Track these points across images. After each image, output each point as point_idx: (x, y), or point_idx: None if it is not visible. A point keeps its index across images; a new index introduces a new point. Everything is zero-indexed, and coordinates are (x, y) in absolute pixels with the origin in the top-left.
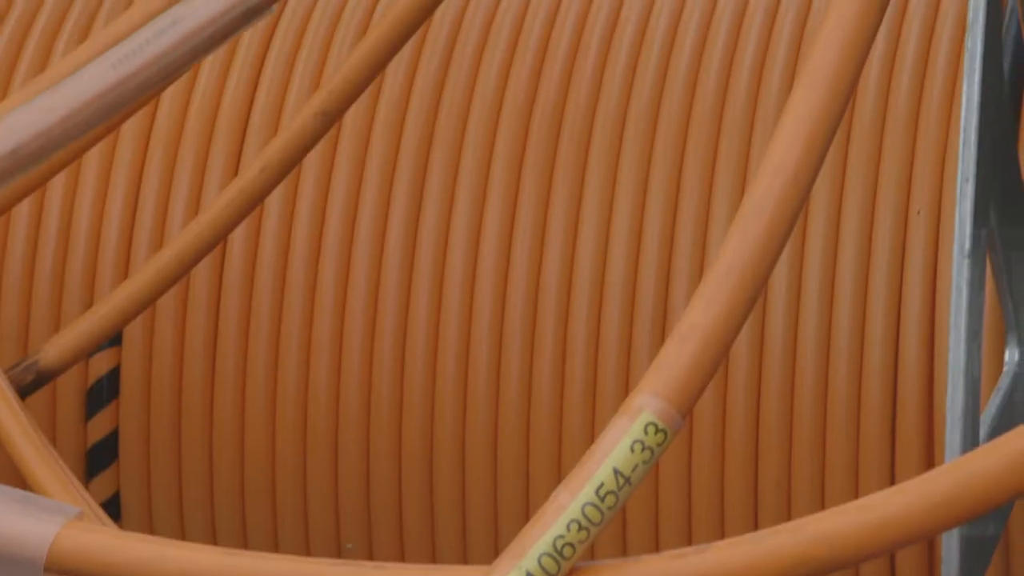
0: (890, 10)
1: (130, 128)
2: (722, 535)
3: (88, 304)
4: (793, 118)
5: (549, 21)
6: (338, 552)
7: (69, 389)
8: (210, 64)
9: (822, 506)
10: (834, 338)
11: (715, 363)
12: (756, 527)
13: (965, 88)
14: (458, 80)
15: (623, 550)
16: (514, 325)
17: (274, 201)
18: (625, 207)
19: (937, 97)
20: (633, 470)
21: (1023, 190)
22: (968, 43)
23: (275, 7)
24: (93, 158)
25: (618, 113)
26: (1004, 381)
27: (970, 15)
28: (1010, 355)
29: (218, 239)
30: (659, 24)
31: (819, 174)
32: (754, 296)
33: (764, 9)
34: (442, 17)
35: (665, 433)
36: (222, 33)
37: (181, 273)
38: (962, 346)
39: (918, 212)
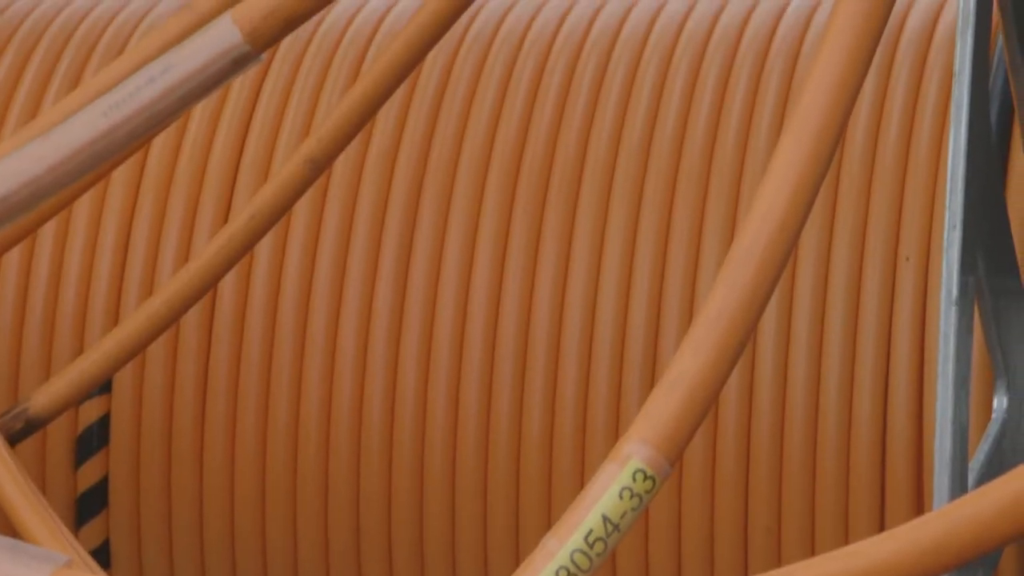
0: (879, 59)
1: (120, 175)
2: None
3: (78, 351)
4: (781, 166)
5: (538, 70)
6: None
7: (59, 436)
8: (201, 111)
9: (812, 552)
10: (823, 384)
11: (704, 410)
12: (746, 573)
13: (952, 136)
14: (448, 128)
15: None
16: (504, 370)
17: (264, 248)
18: (614, 254)
19: (925, 145)
20: (622, 517)
21: (1011, 238)
22: (955, 92)
23: (265, 56)
24: (83, 205)
25: (607, 160)
26: (993, 428)
27: (956, 64)
28: (999, 402)
29: (208, 287)
30: (648, 72)
31: (808, 221)
32: (742, 342)
33: (753, 57)
34: (432, 65)
35: (654, 480)
36: (212, 81)
37: (171, 320)
38: (950, 393)
39: (907, 259)
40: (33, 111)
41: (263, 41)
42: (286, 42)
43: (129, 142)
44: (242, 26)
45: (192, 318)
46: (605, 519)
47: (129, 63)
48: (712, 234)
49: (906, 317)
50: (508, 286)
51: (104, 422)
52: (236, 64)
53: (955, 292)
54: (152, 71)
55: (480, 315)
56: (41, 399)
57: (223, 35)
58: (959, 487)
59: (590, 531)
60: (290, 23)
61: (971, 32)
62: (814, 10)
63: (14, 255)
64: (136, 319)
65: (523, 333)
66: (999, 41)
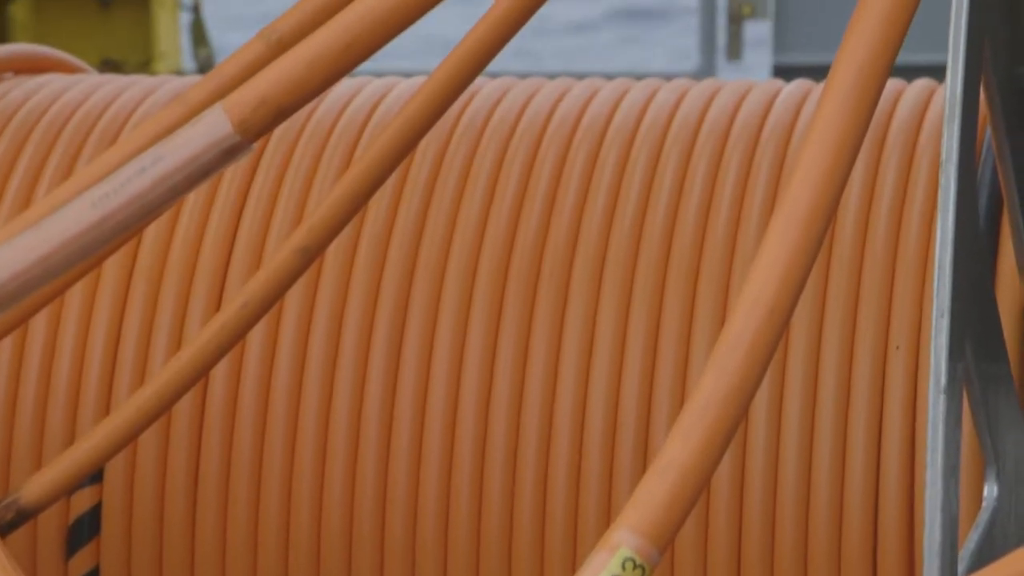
0: (868, 149)
1: (112, 264)
2: None
3: (69, 441)
4: (769, 254)
5: (530, 157)
6: None
7: (50, 527)
8: (193, 200)
9: None
10: (814, 472)
11: (693, 497)
12: None
13: (939, 224)
14: (439, 215)
15: None
16: (495, 458)
17: (256, 336)
18: (605, 339)
19: (915, 234)
20: None
21: (999, 324)
22: (942, 180)
23: (256, 146)
24: (75, 294)
25: (598, 247)
26: (983, 516)
27: (943, 152)
28: (989, 490)
29: (199, 376)
30: (639, 160)
31: (798, 309)
32: (732, 430)
33: (743, 146)
34: (424, 152)
35: (643, 568)
36: (203, 172)
37: (163, 410)
38: (939, 482)
39: (897, 347)
40: (26, 202)
41: (254, 132)
42: (279, 130)
43: (120, 233)
44: (232, 117)
45: (184, 407)
46: None
47: (120, 154)
48: (703, 321)
49: (897, 405)
50: (499, 370)
51: (95, 512)
52: (227, 154)
53: (943, 380)
54: (143, 162)
55: (471, 399)
56: (32, 489)
57: (214, 126)
58: None
59: None
60: (281, 114)
61: (958, 121)
62: (804, 99)
63: (5, 345)
64: (127, 408)
65: (514, 418)
66: (988, 130)
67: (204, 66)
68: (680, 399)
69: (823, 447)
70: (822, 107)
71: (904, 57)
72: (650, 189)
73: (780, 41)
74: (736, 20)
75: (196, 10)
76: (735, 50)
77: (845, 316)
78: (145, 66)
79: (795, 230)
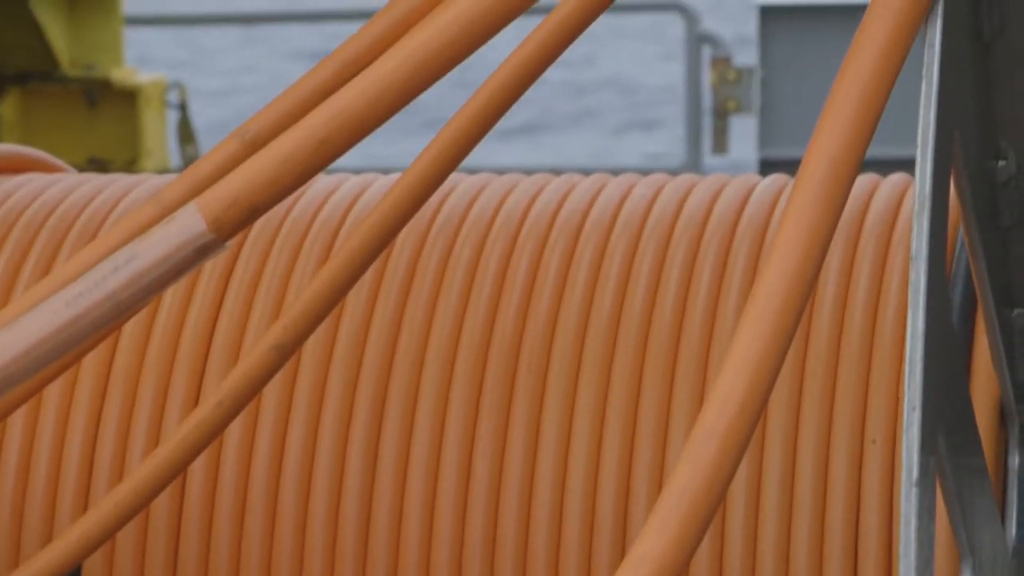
0: (842, 242)
1: (91, 361)
2: None
3: (48, 538)
4: (740, 348)
5: (507, 253)
6: None
7: None
8: (171, 297)
9: None
10: (792, 565)
11: None
12: None
13: (910, 319)
14: (417, 310)
15: None
16: (474, 550)
17: (233, 433)
18: (583, 434)
19: (890, 328)
20: None
21: (973, 417)
22: (912, 274)
23: (230, 243)
24: (53, 391)
25: (575, 340)
26: None
27: (913, 248)
28: None
29: (176, 472)
30: (615, 254)
31: (774, 403)
32: (705, 523)
33: (719, 240)
34: (401, 248)
35: None
36: (177, 270)
37: (141, 506)
38: None
39: (873, 441)
40: (4, 300)
41: (227, 230)
42: (257, 227)
43: (94, 331)
44: (206, 215)
45: (161, 503)
46: None
47: (95, 253)
48: (680, 413)
49: (874, 499)
50: (477, 462)
51: None
52: (201, 253)
53: (916, 473)
54: (117, 260)
55: (450, 492)
56: None
57: (187, 224)
58: None
59: None
60: (255, 212)
61: (927, 216)
62: (779, 193)
63: None
64: (106, 505)
65: (492, 510)
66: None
67: (191, 164)
68: (658, 490)
69: (800, 539)
70: (792, 202)
71: (880, 151)
72: (627, 283)
73: (766, 135)
74: (722, 115)
75: (183, 108)
76: (721, 144)
77: (822, 409)
78: (132, 164)
79: (766, 325)
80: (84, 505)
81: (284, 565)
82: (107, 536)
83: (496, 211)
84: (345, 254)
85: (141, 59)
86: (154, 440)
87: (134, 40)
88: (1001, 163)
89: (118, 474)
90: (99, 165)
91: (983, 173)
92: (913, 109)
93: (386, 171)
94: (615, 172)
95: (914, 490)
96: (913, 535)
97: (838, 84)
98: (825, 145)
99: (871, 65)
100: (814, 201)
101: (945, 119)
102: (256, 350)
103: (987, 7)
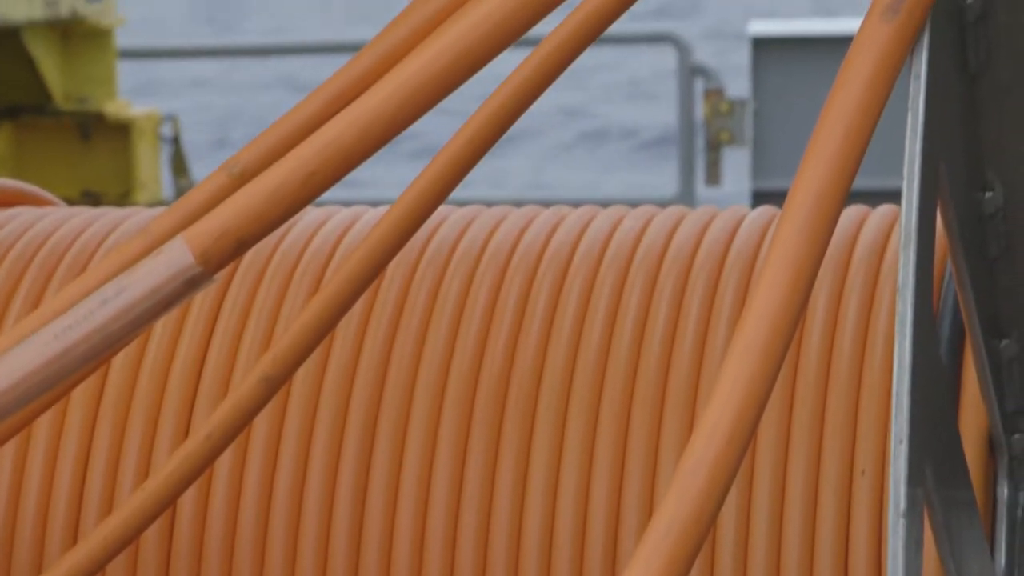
0: (832, 272)
1: (80, 394)
2: None
3: (37, 571)
4: (728, 379)
5: (496, 285)
6: None
7: None
8: (160, 329)
9: None
10: None
11: None
12: None
13: (896, 351)
14: (406, 342)
15: None
16: None
17: (223, 465)
18: (572, 467)
19: (879, 357)
20: None
21: (961, 450)
22: (899, 306)
23: (219, 276)
24: (43, 423)
25: (564, 375)
26: None
27: (900, 279)
28: None
29: (166, 505)
30: (604, 288)
31: (763, 432)
32: (692, 556)
33: (707, 273)
34: (391, 280)
35: None
36: (165, 303)
37: (130, 539)
38: None
39: (862, 472)
40: None
41: (215, 263)
42: (247, 259)
43: (84, 364)
44: (194, 248)
45: (151, 536)
46: None
47: (83, 286)
48: (669, 445)
49: (863, 530)
50: (467, 495)
51: None
52: (189, 285)
53: (903, 505)
54: (105, 293)
55: (439, 524)
56: None
57: (175, 257)
58: None
59: None
60: (243, 245)
61: (914, 247)
62: (768, 225)
63: None
64: (95, 537)
65: (482, 542)
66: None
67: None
68: (647, 521)
69: (789, 570)
70: (779, 236)
71: (868, 182)
72: (615, 315)
73: (759, 167)
74: (715, 147)
75: (176, 141)
76: (714, 176)
77: (811, 440)
78: (125, 197)
79: (753, 357)
80: (73, 538)
81: None
82: (97, 569)
83: (485, 243)
84: (334, 286)
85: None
86: (144, 473)
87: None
88: (988, 194)
89: (107, 507)
90: (92, 198)
91: (970, 204)
92: (901, 139)
93: (374, 203)
94: (604, 204)
95: (901, 521)
96: (901, 567)
97: (824, 117)
98: (811, 178)
99: (856, 97)
100: (800, 234)
101: (931, 150)
102: (245, 383)
103: (973, 40)
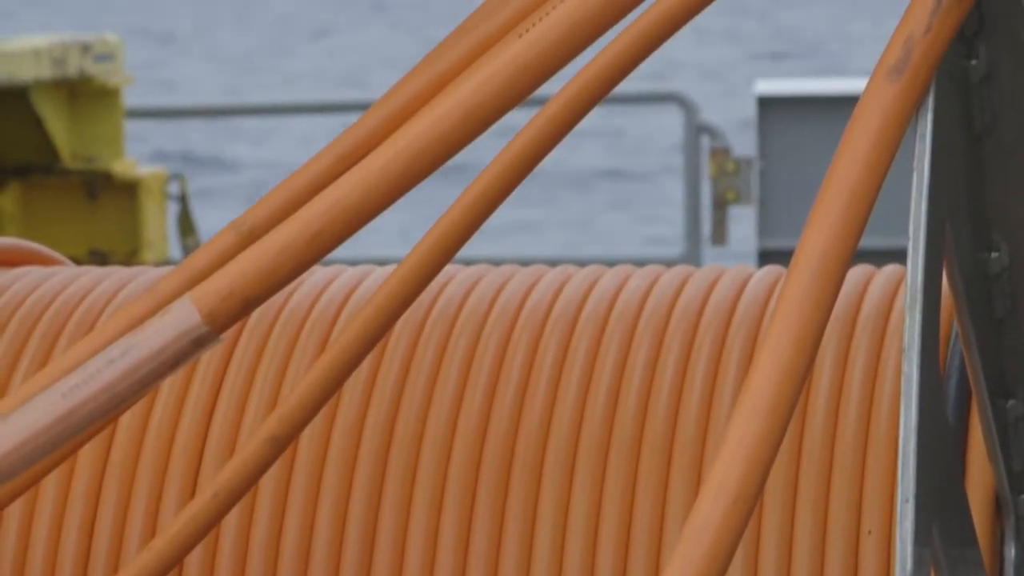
0: (838, 332)
1: (87, 453)
2: None
3: None
4: (733, 442)
5: (502, 345)
6: None
7: None
8: (167, 388)
9: None
10: None
11: None
12: None
13: (903, 411)
14: (413, 402)
15: None
16: None
17: (230, 525)
18: (578, 529)
19: (886, 417)
20: None
21: (968, 509)
22: (905, 367)
23: (225, 336)
24: (50, 482)
25: (571, 436)
26: None
27: (906, 339)
28: None
29: (172, 564)
30: (610, 347)
31: (770, 492)
32: None
33: (714, 332)
34: (397, 340)
35: None
36: (172, 362)
37: None
38: None
39: (869, 532)
40: (2, 394)
41: (222, 322)
42: (254, 318)
43: (90, 423)
44: (200, 307)
45: None
46: None
47: (90, 345)
48: (676, 507)
49: None
50: (472, 558)
51: None
52: (196, 345)
53: (909, 565)
54: (112, 353)
55: None
56: None
57: (182, 317)
58: None
59: None
60: (249, 304)
61: (920, 308)
62: (774, 285)
63: None
64: None
65: None
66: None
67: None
68: None
69: None
70: (784, 297)
71: (874, 241)
72: (622, 375)
73: (765, 226)
74: (721, 206)
75: (183, 200)
76: (720, 235)
77: (817, 500)
78: (133, 256)
79: (759, 419)
80: None
81: None
82: None
83: (492, 303)
84: (341, 345)
85: None
86: (150, 532)
87: None
88: (993, 254)
89: (114, 566)
90: (100, 257)
91: (976, 264)
92: (906, 199)
93: (381, 262)
94: (610, 263)
95: None
96: None
97: (829, 177)
98: (816, 239)
99: (861, 158)
100: (805, 295)
101: (937, 211)
102: (252, 442)
103: (978, 101)
